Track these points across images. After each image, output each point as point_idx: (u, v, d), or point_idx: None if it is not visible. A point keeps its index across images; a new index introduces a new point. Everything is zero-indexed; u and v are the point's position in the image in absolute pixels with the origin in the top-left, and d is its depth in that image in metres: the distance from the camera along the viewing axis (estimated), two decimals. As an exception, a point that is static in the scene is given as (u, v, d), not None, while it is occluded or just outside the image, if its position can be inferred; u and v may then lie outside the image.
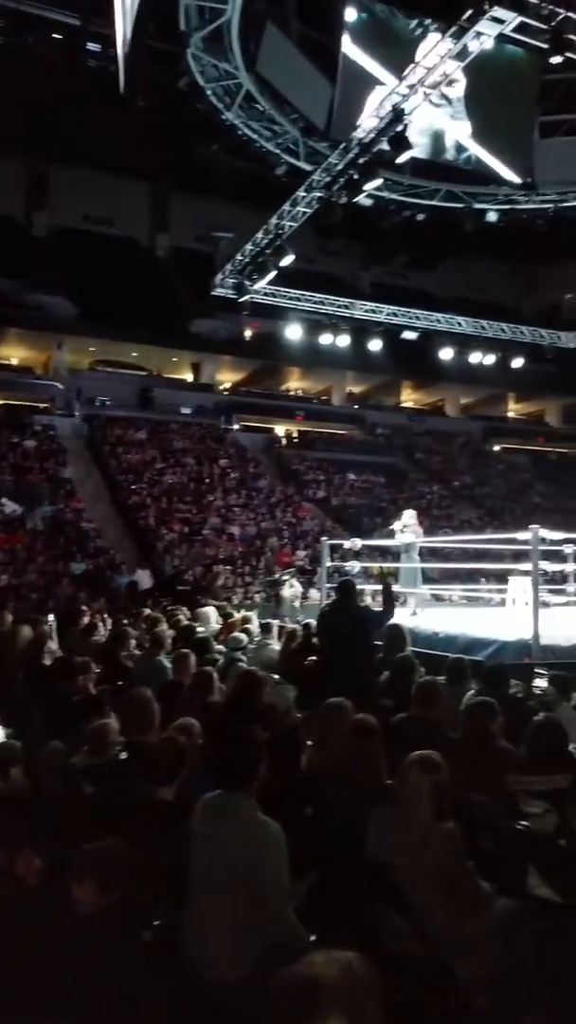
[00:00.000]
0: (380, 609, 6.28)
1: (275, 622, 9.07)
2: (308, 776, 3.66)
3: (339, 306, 21.14)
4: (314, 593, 12.96)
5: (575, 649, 7.49)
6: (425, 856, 2.89)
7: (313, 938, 2.83)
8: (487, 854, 3.17)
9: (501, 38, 11.39)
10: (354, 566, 12.12)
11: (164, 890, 2.89)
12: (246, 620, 8.85)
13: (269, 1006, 1.29)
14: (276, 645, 7.86)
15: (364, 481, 28.20)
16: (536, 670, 6.46)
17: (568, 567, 11.31)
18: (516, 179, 16.46)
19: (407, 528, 10.68)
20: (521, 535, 8.34)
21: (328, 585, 11.55)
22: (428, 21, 13.72)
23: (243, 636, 7.71)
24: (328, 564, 12.08)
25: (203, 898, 2.70)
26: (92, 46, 18.77)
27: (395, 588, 11.04)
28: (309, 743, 3.95)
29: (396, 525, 10.98)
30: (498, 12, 10.15)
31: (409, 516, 10.95)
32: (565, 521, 24.82)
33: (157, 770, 3.37)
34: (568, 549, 11.34)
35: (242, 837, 2.70)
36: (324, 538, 13.61)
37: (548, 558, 9.23)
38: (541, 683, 6.12)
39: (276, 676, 6.06)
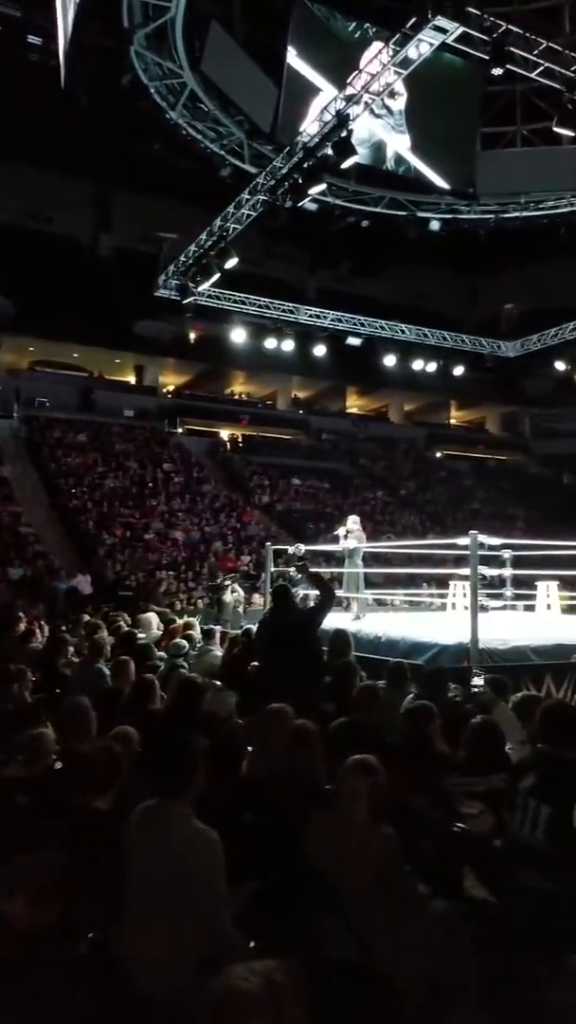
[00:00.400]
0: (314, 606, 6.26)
1: (217, 628, 9.00)
2: (248, 782, 3.64)
3: (284, 310, 21.19)
4: (257, 598, 12.93)
5: (512, 652, 7.63)
6: (362, 860, 2.89)
7: (252, 945, 2.82)
8: (424, 856, 3.19)
9: (444, 48, 11.57)
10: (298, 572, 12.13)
11: (100, 902, 2.84)
12: (188, 626, 8.76)
13: (195, 1021, 1.27)
14: (218, 651, 7.80)
15: (309, 486, 28.31)
16: (474, 673, 6.55)
17: (506, 572, 11.54)
18: (457, 189, 16.75)
19: (351, 534, 10.74)
20: (461, 540, 8.46)
21: (271, 590, 11.54)
22: (371, 28, 13.87)
23: (185, 642, 7.63)
24: (272, 569, 12.06)
25: (139, 908, 2.67)
26: (33, 39, 18.40)
27: (339, 593, 11.14)
28: (250, 749, 3.93)
29: (340, 531, 11.04)
30: (441, 22, 10.31)
31: (353, 522, 11.01)
32: (503, 526, 25.38)
33: (92, 780, 3.30)
34: (506, 554, 11.58)
35: (178, 846, 2.68)
36: (268, 543, 13.60)
37: (487, 563, 9.38)
38: (478, 681, 6.22)
39: (218, 682, 6.01)
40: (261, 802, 3.40)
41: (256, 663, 6.30)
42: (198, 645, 8.00)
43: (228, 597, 11.63)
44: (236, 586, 12.99)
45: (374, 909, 2.86)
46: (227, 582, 11.98)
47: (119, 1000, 2.52)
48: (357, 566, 10.73)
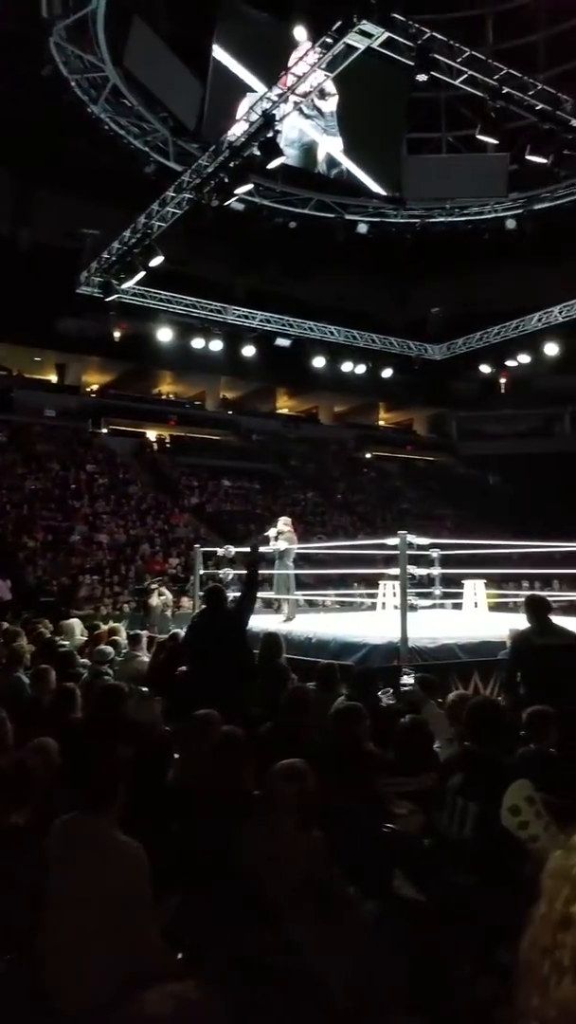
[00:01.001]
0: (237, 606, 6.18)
1: (144, 632, 8.84)
2: (175, 791, 3.55)
3: (212, 310, 21.05)
4: (186, 602, 12.77)
5: (441, 650, 7.73)
6: (291, 865, 2.85)
7: (180, 956, 2.75)
8: (354, 858, 3.16)
9: (371, 52, 11.66)
10: (227, 573, 12.03)
11: (18, 919, 2.72)
12: (113, 632, 8.58)
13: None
14: (145, 656, 7.65)
15: (239, 487, 28.21)
16: (404, 672, 6.59)
17: (434, 571, 11.70)
18: (385, 193, 16.94)
19: (281, 535, 10.71)
20: (390, 541, 8.53)
21: (201, 593, 11.42)
22: (299, 29, 13.88)
23: (110, 649, 7.45)
24: (201, 572, 11.94)
25: (60, 925, 2.56)
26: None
27: (269, 595, 11.09)
28: (177, 756, 3.83)
29: (271, 532, 11.01)
30: (367, 26, 10.39)
31: (283, 523, 10.98)
32: (432, 526, 25.81)
33: (5, 794, 3.16)
34: (434, 554, 11.75)
35: (100, 860, 2.60)
36: (197, 545, 13.46)
37: (415, 562, 9.48)
38: (408, 680, 6.24)
39: (144, 688, 5.88)
40: (188, 811, 3.32)
41: (184, 668, 6.18)
42: (124, 651, 7.83)
43: (155, 601, 11.44)
44: (163, 589, 12.80)
45: (304, 914, 2.83)
46: (153, 585, 11.79)
47: (39, 1021, 2.43)
48: (288, 567, 10.70)
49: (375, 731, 4.20)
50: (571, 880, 0.84)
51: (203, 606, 7.42)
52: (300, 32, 13.56)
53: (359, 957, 2.77)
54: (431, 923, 3.04)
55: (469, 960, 2.85)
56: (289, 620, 10.32)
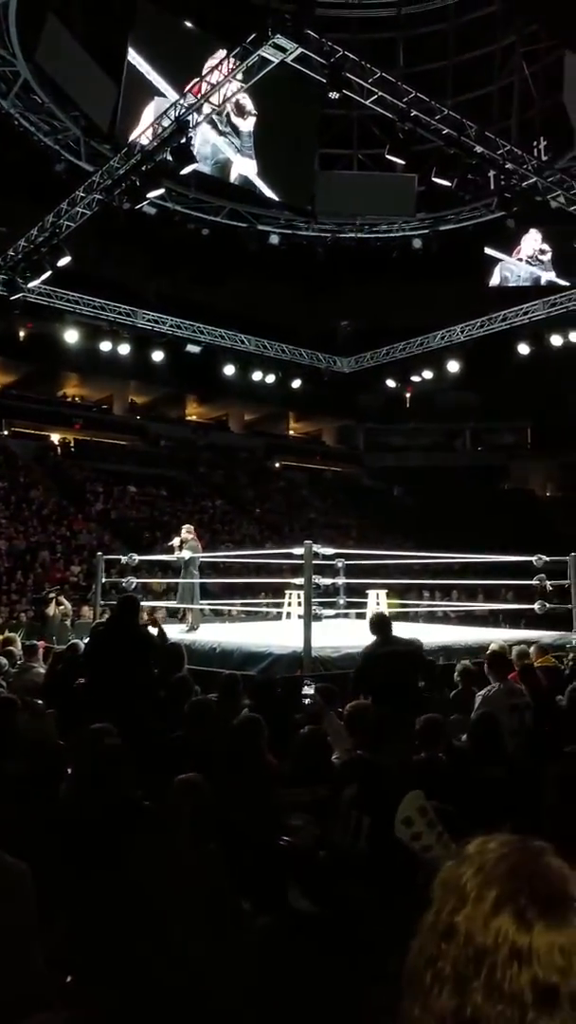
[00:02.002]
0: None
1: (40, 643, 8.55)
2: (65, 807, 3.44)
3: (121, 313, 20.73)
4: (87, 611, 12.46)
5: (343, 659, 7.80)
6: (184, 880, 2.82)
7: (69, 980, 2.66)
8: (248, 872, 3.15)
9: (285, 66, 11.78)
10: (131, 582, 11.83)
11: None
12: (8, 642, 8.27)
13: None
14: (41, 668, 7.41)
15: (145, 494, 27.77)
16: (305, 682, 6.62)
17: (339, 581, 11.85)
18: (295, 206, 17.14)
19: (185, 543, 10.62)
20: (296, 550, 8.59)
21: (103, 602, 11.17)
22: (214, 38, 13.90)
23: (3, 660, 7.18)
24: (104, 580, 11.69)
25: None
26: None
27: (173, 604, 10.95)
28: (70, 771, 3.72)
29: (175, 540, 10.89)
30: (281, 41, 10.50)
31: (187, 531, 10.90)
32: (338, 536, 26.14)
33: None
34: (339, 563, 11.90)
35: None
36: (100, 553, 13.18)
37: (321, 572, 9.58)
38: (309, 691, 6.27)
39: (39, 701, 5.69)
40: (78, 827, 3.22)
41: (82, 679, 6.02)
42: (19, 662, 7.56)
43: (53, 610, 11.11)
44: (62, 599, 12.44)
45: (197, 930, 2.79)
46: (52, 594, 11.45)
47: None
48: (193, 576, 10.62)
49: (274, 742, 4.20)
50: (458, 890, 0.83)
51: (110, 614, 7.27)
52: (216, 42, 13.57)
53: (251, 971, 2.76)
54: (325, 936, 3.05)
55: (361, 971, 2.87)
56: (193, 630, 10.23)
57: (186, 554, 10.44)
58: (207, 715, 4.52)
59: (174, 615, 11.42)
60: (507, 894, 0.80)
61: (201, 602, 11.29)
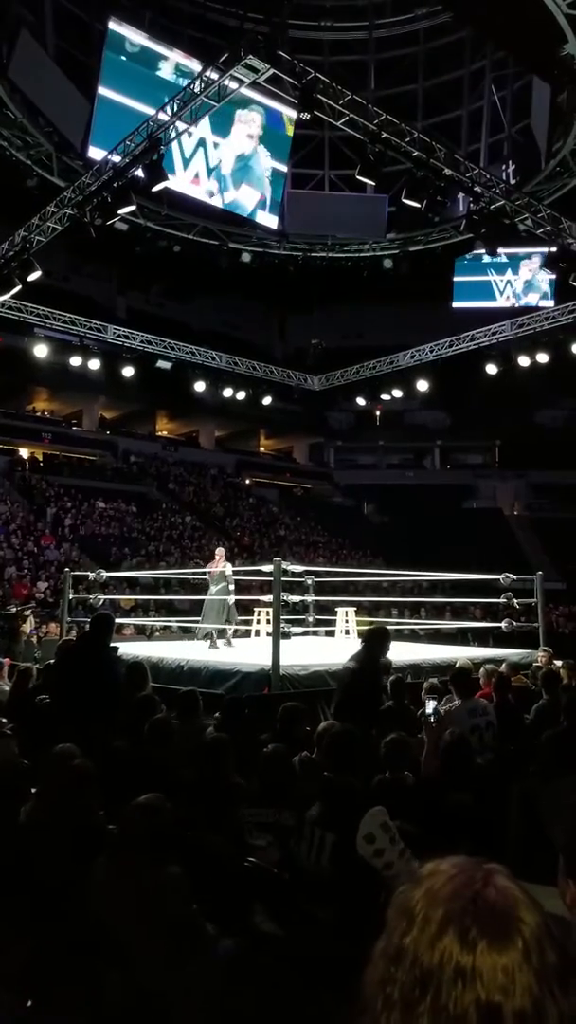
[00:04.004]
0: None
1: (5, 660, 8.43)
2: (26, 830, 3.36)
3: (92, 328, 20.66)
4: (55, 628, 12.32)
5: (311, 677, 7.78)
6: (146, 904, 2.77)
7: (29, 1004, 2.62)
8: (213, 894, 3.11)
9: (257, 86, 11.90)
10: (99, 598, 11.72)
11: None
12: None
13: None
14: (6, 686, 7.29)
15: (114, 509, 27.55)
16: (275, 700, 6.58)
17: (308, 598, 11.84)
18: (267, 225, 17.25)
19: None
20: (266, 567, 8.57)
21: (70, 619, 11.05)
22: (186, 57, 14.04)
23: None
24: (71, 597, 11.58)
25: None
26: None
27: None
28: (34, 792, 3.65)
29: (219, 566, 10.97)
30: (253, 61, 10.59)
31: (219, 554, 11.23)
32: (307, 553, 26.17)
33: None
34: (309, 581, 11.90)
35: None
36: (68, 569, 13.04)
37: (290, 589, 9.57)
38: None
39: (4, 719, 5.59)
40: (38, 851, 3.15)
41: (46, 698, 5.93)
42: (-17, 679, 7.44)
43: (29, 627, 10.96)
44: (29, 615, 12.29)
45: (158, 954, 2.75)
46: (27, 611, 11.30)
47: None
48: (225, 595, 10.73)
49: (241, 761, 4.16)
50: (408, 913, 0.83)
51: (79, 632, 7.19)
52: (188, 60, 13.70)
53: (216, 997, 2.72)
54: (289, 957, 3.02)
55: (326, 993, 2.85)
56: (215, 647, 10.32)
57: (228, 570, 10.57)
58: (168, 734, 4.47)
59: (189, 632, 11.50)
60: (452, 915, 0.80)
61: (172, 619, 11.24)
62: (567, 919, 1.22)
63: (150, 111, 12.72)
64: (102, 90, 13.91)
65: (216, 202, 15.89)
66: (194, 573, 18.55)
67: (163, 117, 12.02)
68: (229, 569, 10.83)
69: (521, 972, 0.76)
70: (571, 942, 1.13)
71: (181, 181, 14.79)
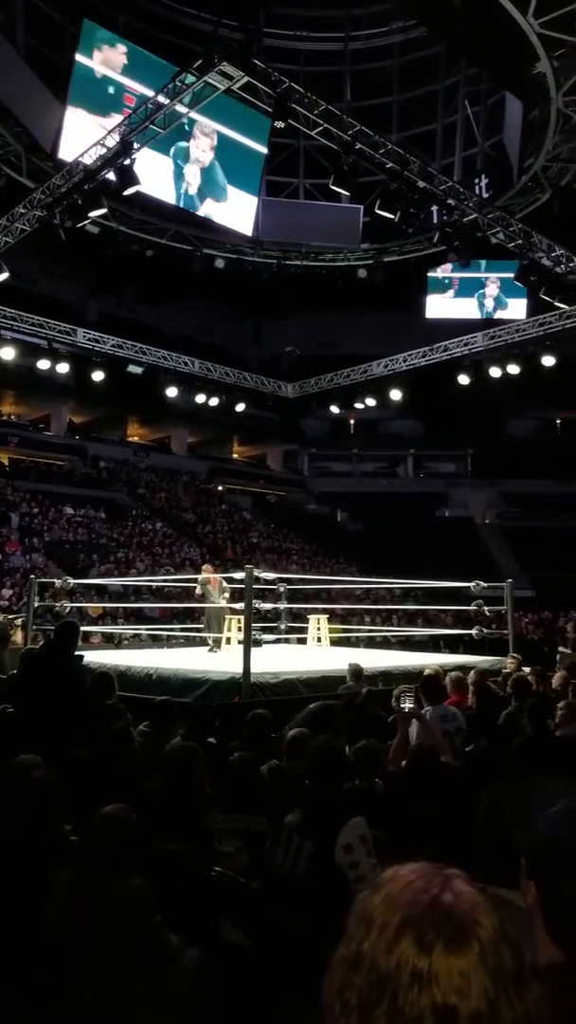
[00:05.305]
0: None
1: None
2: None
3: (61, 331, 20.47)
4: (19, 636, 12.12)
5: (283, 686, 7.73)
6: (108, 916, 2.70)
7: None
8: (178, 904, 3.05)
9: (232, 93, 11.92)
10: (65, 606, 11.55)
11: None
12: None
13: None
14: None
15: (83, 516, 27.25)
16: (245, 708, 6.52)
17: (280, 605, 11.80)
18: (244, 233, 17.27)
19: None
20: (237, 575, 8.51)
21: (36, 627, 10.90)
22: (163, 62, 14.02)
23: None
24: (36, 604, 11.39)
25: None
26: None
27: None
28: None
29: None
30: (228, 68, 10.60)
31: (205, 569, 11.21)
32: (280, 561, 26.12)
33: None
34: (281, 588, 11.86)
35: None
36: (33, 576, 12.86)
37: (262, 597, 9.52)
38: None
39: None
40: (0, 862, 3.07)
41: (8, 707, 5.81)
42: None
43: (12, 636, 10.75)
44: (19, 624, 12.07)
45: (122, 966, 2.69)
46: (18, 620, 11.11)
47: None
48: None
49: (211, 769, 4.11)
50: (367, 919, 0.84)
51: (45, 640, 7.07)
52: (164, 65, 13.67)
53: (180, 1010, 2.67)
54: (256, 966, 2.97)
55: (293, 1002, 2.81)
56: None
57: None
58: (128, 741, 4.41)
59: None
60: (409, 920, 0.81)
61: (140, 627, 11.13)
62: (524, 907, 1.24)
63: (120, 115, 12.72)
64: (75, 91, 13.85)
65: (189, 207, 15.89)
66: (165, 581, 18.44)
67: (135, 119, 11.98)
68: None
69: (477, 974, 0.77)
70: (527, 938, 1.14)
71: (153, 185, 14.76)
